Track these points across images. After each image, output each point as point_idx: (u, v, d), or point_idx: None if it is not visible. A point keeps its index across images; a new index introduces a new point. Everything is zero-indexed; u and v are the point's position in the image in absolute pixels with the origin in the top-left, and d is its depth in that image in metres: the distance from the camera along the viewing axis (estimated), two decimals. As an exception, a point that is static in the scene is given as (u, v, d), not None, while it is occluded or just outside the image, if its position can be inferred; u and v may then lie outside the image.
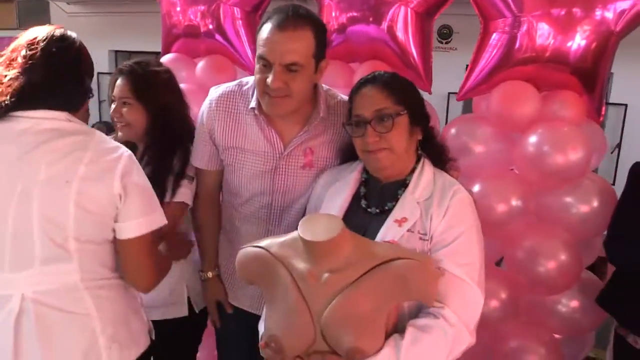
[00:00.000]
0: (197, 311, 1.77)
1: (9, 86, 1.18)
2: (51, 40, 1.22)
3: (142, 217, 1.24)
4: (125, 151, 1.26)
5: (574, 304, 1.91)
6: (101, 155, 1.22)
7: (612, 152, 5.76)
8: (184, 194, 1.63)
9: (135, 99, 1.64)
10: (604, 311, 1.81)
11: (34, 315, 1.19)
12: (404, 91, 1.30)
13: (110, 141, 1.28)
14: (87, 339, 1.23)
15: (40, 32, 1.23)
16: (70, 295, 1.22)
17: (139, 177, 1.26)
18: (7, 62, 1.20)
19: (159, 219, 1.29)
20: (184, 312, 1.73)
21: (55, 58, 1.21)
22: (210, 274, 1.71)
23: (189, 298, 1.75)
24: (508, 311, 1.93)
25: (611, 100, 5.71)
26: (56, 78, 1.22)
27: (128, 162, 1.24)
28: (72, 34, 1.28)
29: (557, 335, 2.01)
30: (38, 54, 1.19)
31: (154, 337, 1.43)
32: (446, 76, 3.02)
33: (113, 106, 1.68)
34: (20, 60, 1.19)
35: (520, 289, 1.95)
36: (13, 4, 7.63)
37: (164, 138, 1.64)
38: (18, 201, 1.17)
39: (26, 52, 1.19)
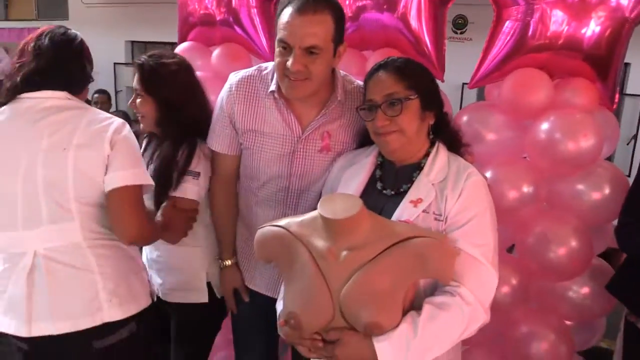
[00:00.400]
0: (218, 296, 1.78)
1: (19, 71, 1.39)
2: (56, 34, 1.43)
3: (128, 169, 1.36)
4: (118, 120, 1.39)
5: (585, 290, 1.92)
6: (94, 123, 1.37)
7: (628, 144, 5.70)
8: (191, 190, 1.63)
9: (144, 91, 1.67)
10: (615, 298, 1.82)
11: (45, 270, 1.34)
12: (415, 76, 1.32)
13: (105, 114, 1.43)
14: (90, 292, 1.37)
15: (46, 29, 1.44)
16: (75, 252, 1.36)
17: (128, 135, 1.39)
18: (20, 53, 1.42)
19: (144, 176, 1.40)
20: (204, 298, 1.75)
21: (60, 46, 1.41)
22: (228, 262, 1.73)
23: (210, 285, 1.76)
24: (519, 297, 1.94)
25: (628, 91, 5.63)
26: (60, 62, 1.40)
27: (119, 125, 1.38)
28: (74, 31, 1.48)
29: (568, 322, 2.01)
30: (45, 42, 1.40)
31: (155, 299, 1.56)
32: (461, 66, 2.99)
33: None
34: (29, 49, 1.40)
35: (531, 275, 1.96)
36: (32, -5, 7.75)
37: (171, 130, 1.66)
38: (26, 168, 1.34)
39: (35, 42, 1.41)
